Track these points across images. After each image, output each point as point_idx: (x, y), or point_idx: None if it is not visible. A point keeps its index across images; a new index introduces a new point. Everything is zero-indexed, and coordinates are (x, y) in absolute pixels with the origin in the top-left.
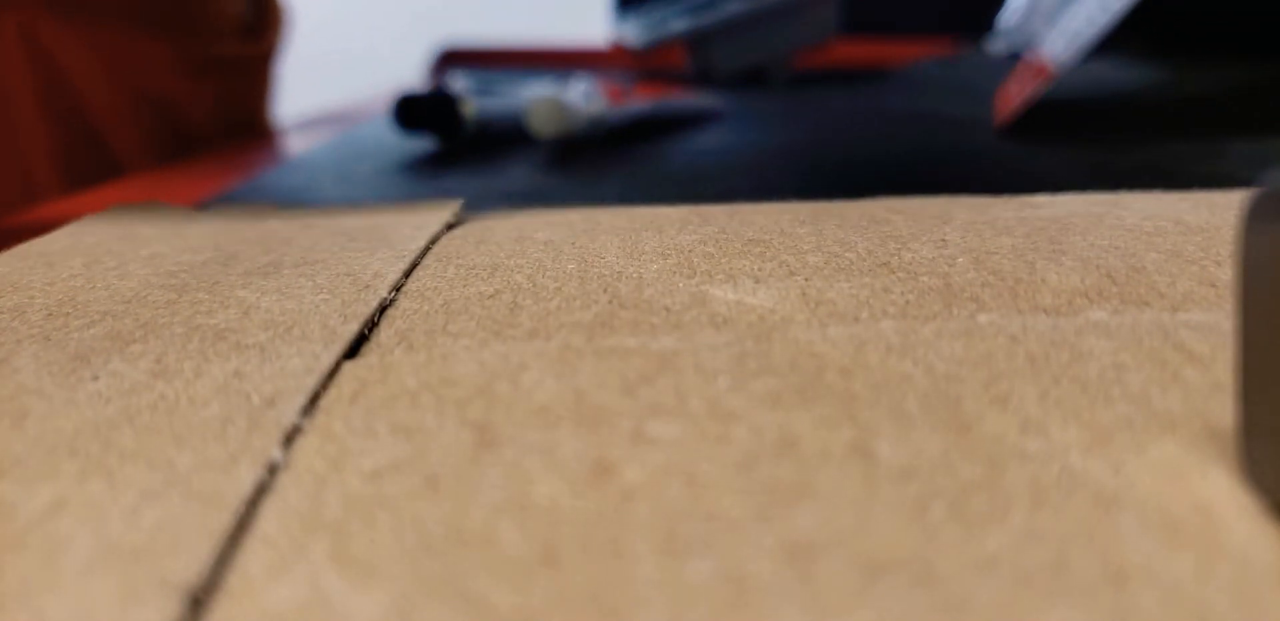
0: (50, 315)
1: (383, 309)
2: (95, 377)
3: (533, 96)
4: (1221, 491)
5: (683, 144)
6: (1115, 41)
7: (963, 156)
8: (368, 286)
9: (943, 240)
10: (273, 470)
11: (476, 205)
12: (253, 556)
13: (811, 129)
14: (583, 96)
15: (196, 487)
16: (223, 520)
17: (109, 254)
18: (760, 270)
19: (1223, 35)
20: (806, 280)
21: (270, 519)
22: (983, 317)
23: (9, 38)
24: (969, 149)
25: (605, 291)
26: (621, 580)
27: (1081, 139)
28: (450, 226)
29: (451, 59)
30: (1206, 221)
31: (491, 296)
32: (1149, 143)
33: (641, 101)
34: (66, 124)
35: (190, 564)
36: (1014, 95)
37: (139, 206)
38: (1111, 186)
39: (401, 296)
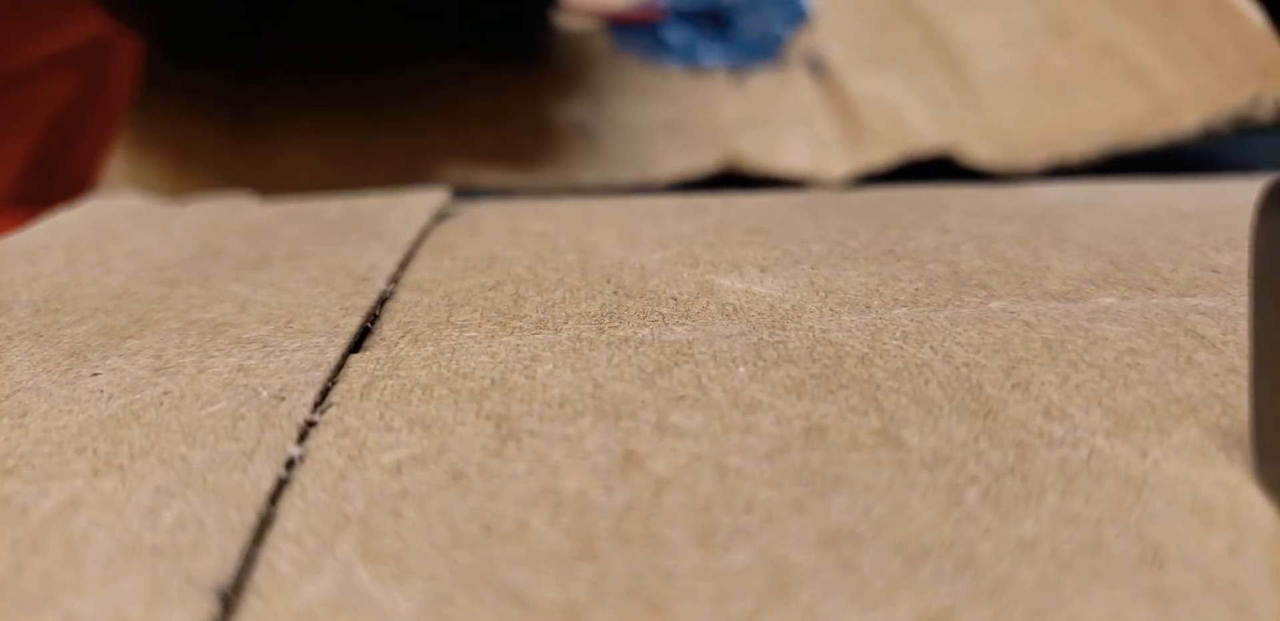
0: (38, 311)
1: (382, 301)
2: (94, 374)
3: None
4: (1247, 473)
5: None
6: None
7: None
8: (364, 279)
9: (943, 228)
10: (290, 465)
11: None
12: (279, 553)
13: None
14: None
15: (214, 484)
16: (245, 517)
17: (91, 249)
18: (764, 259)
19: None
20: (813, 268)
21: (293, 515)
22: (995, 304)
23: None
24: None
25: (609, 282)
26: (662, 572)
27: None
28: (439, 217)
29: None
30: (1199, 208)
31: (493, 288)
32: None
33: None
34: None
35: (217, 562)
36: None
37: (113, 199)
38: (1136, 176)
39: (400, 289)
